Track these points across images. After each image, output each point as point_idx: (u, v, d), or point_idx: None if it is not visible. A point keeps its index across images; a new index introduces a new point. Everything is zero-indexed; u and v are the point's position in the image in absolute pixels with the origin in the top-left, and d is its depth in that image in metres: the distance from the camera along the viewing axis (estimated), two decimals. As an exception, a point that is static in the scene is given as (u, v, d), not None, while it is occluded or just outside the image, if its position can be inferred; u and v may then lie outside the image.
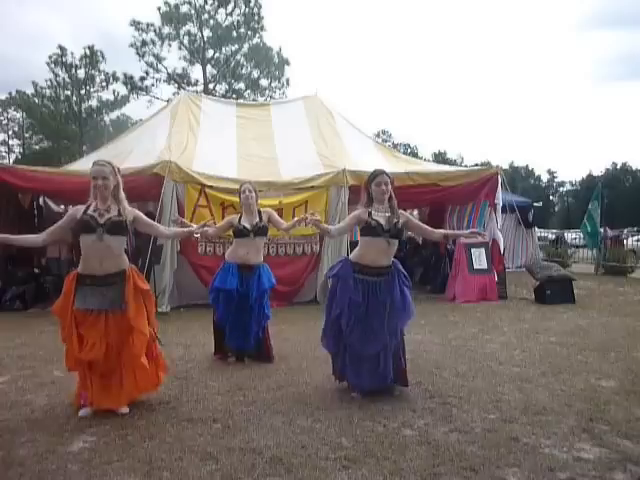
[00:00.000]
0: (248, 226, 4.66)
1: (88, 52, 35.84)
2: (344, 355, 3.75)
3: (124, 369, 3.45)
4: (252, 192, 4.73)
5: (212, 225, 4.13)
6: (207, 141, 9.02)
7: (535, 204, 16.60)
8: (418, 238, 12.03)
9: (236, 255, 4.70)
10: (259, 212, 4.77)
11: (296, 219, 4.26)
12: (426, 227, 4.22)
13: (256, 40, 34.85)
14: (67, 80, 36.42)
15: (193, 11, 33.74)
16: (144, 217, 3.70)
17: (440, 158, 57.16)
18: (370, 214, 3.76)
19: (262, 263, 4.80)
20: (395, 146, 46.87)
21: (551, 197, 70.55)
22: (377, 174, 3.85)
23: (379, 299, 3.67)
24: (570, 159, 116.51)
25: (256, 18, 34.22)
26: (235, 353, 4.84)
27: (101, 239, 3.32)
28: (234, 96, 32.55)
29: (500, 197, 9.06)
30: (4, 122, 45.34)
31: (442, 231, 4.22)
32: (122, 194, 3.50)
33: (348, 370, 3.76)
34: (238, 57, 35.20)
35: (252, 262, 4.69)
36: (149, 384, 3.59)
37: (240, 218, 4.74)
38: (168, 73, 34.72)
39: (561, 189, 74.10)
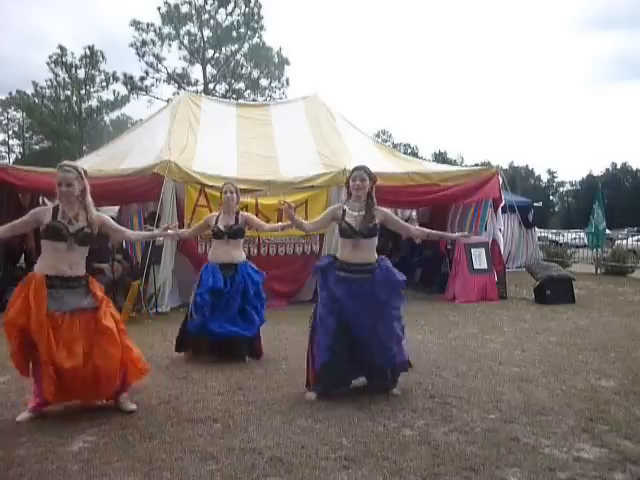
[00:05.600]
0: (222, 228, 4.72)
1: (88, 52, 35.91)
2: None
3: (95, 369, 3.34)
4: (234, 193, 4.79)
5: (174, 228, 4.19)
6: (207, 141, 9.01)
7: (535, 204, 16.59)
8: (416, 238, 12.03)
9: (216, 255, 4.78)
10: (237, 214, 4.81)
11: (280, 224, 4.29)
12: (406, 225, 4.22)
13: (256, 40, 34.93)
14: (67, 80, 36.49)
15: (193, 11, 33.77)
16: (111, 222, 3.69)
17: (440, 158, 57.11)
18: (344, 213, 3.76)
19: (244, 262, 4.83)
20: (395, 146, 46.74)
21: (551, 197, 70.53)
22: (355, 169, 3.84)
23: (361, 297, 3.64)
24: (570, 159, 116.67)
25: (256, 18, 34.26)
26: (209, 343, 4.78)
27: (71, 249, 3.33)
28: (234, 96, 32.59)
29: (503, 197, 9.06)
30: (4, 122, 45.42)
31: (426, 230, 4.13)
32: (89, 199, 3.46)
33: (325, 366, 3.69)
34: (238, 57, 35.26)
35: (233, 260, 4.74)
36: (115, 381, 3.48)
37: (218, 218, 4.79)
38: (168, 73, 34.78)
39: (561, 189, 74.17)
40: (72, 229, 3.34)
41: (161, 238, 7.17)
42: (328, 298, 3.73)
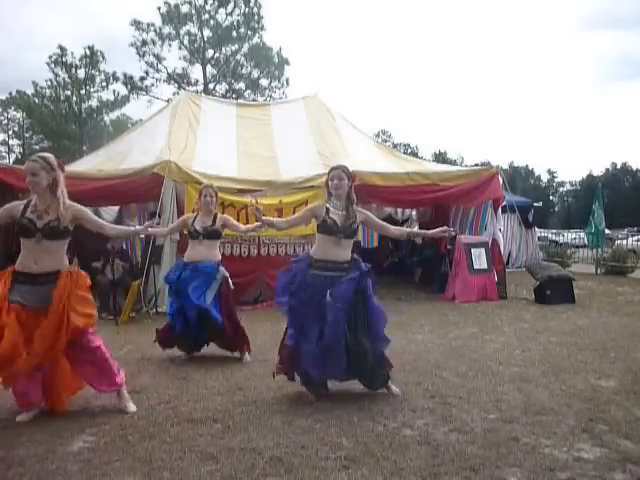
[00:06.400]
0: (199, 229, 4.77)
1: (88, 52, 35.88)
2: (299, 348, 3.68)
3: (49, 369, 3.34)
4: (213, 197, 4.86)
5: (155, 226, 4.23)
6: (207, 141, 9.02)
7: (535, 204, 16.59)
8: (417, 239, 12.02)
9: (188, 254, 4.85)
10: (215, 216, 4.87)
11: (253, 225, 4.32)
12: (387, 225, 4.22)
13: (256, 40, 34.92)
14: (67, 80, 36.48)
15: (193, 11, 33.76)
16: (88, 213, 3.54)
17: (440, 158, 57.14)
18: (328, 211, 3.73)
19: (214, 262, 4.82)
20: (395, 146, 46.74)
21: (551, 197, 70.56)
22: (333, 169, 3.84)
23: (333, 294, 3.57)
24: (570, 159, 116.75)
25: (256, 18, 34.25)
26: (188, 345, 4.93)
27: (39, 244, 3.25)
28: (234, 96, 32.58)
29: (504, 198, 9.07)
30: (4, 122, 45.44)
31: (406, 229, 4.13)
32: (60, 190, 3.31)
33: (303, 361, 3.67)
34: (238, 57, 35.25)
35: (201, 260, 4.75)
36: (69, 386, 3.47)
37: (195, 219, 4.83)
38: (168, 73, 34.77)
39: (561, 189, 74.19)
40: (40, 224, 3.24)
41: (162, 239, 7.21)
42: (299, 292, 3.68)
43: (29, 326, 3.23)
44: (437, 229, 4.05)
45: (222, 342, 4.97)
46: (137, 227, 3.88)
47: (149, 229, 3.99)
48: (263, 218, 3.83)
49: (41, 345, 3.21)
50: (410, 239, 4.28)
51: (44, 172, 3.27)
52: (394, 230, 4.24)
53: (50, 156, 3.39)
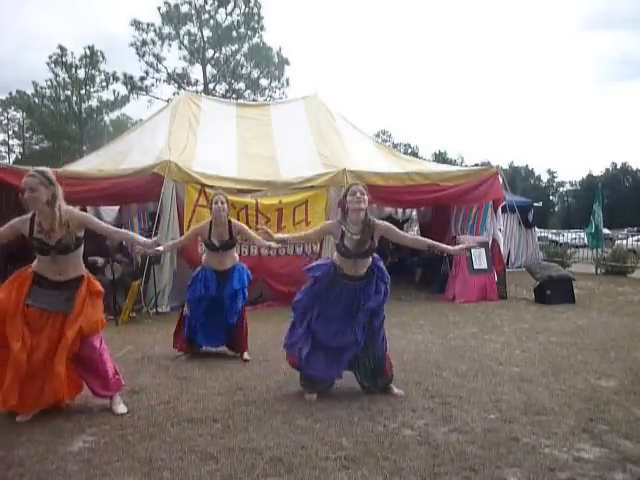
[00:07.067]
0: (217, 243, 4.75)
1: (88, 52, 35.91)
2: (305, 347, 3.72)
3: (49, 372, 3.31)
4: (224, 204, 4.75)
5: (163, 245, 4.28)
6: (207, 141, 9.01)
7: (535, 204, 16.58)
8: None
9: (211, 263, 4.88)
10: (230, 224, 4.78)
11: (268, 243, 4.31)
12: (408, 236, 4.21)
13: (256, 40, 34.93)
14: (67, 80, 36.50)
15: (193, 11, 33.76)
16: (92, 219, 3.57)
17: (440, 158, 57.16)
18: (343, 235, 3.67)
19: (236, 264, 4.94)
20: (395, 146, 46.80)
21: (551, 197, 70.57)
22: (352, 184, 3.81)
23: (354, 298, 3.66)
24: (570, 159, 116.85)
25: (256, 18, 34.24)
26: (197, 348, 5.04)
27: (55, 260, 3.29)
28: (234, 96, 32.60)
29: (504, 198, 9.07)
30: (4, 122, 45.41)
31: (427, 241, 3.96)
32: (58, 206, 3.26)
33: (304, 362, 3.72)
34: (238, 57, 35.25)
35: (227, 267, 4.85)
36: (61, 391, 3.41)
37: (210, 231, 4.76)
38: (168, 73, 34.78)
39: (561, 189, 74.23)
40: (51, 242, 3.26)
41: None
42: (318, 294, 3.72)
43: (42, 329, 3.28)
44: (457, 246, 3.95)
45: (230, 342, 5.03)
46: (146, 240, 3.76)
47: (157, 248, 3.83)
48: (276, 237, 3.82)
49: (48, 346, 3.26)
50: (430, 250, 4.21)
51: (42, 187, 3.22)
52: (413, 240, 4.19)
53: (48, 170, 3.35)
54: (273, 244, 4.29)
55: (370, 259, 3.74)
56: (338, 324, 3.67)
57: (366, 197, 3.63)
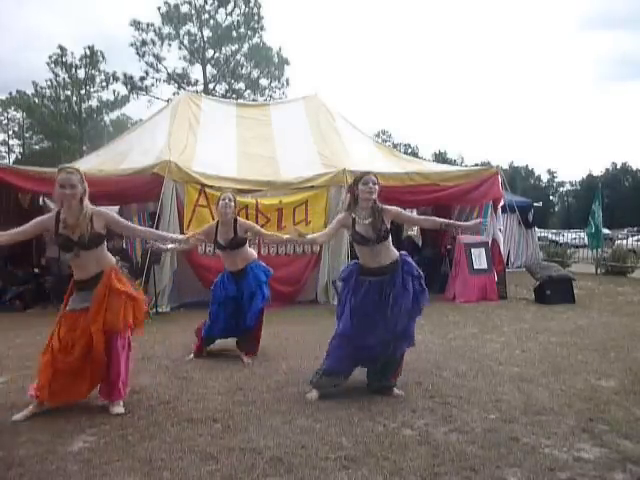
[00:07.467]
0: (222, 242, 4.75)
1: (88, 52, 35.89)
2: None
3: (91, 365, 3.44)
4: (232, 201, 4.71)
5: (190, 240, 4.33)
6: (207, 141, 9.02)
7: (535, 204, 16.59)
8: (417, 240, 12.01)
9: (226, 264, 4.90)
10: (235, 223, 4.74)
11: (286, 237, 4.27)
12: (418, 217, 4.23)
13: (256, 40, 34.90)
14: (67, 80, 36.48)
15: (193, 11, 33.76)
16: (119, 220, 3.66)
17: (440, 158, 57.16)
18: (354, 222, 3.72)
19: (251, 262, 4.91)
20: (395, 146, 46.76)
21: (551, 197, 70.58)
22: (365, 174, 3.80)
23: (382, 297, 3.66)
24: (570, 159, 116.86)
25: (256, 18, 34.23)
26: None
27: (78, 256, 3.36)
28: (234, 96, 32.58)
29: (504, 198, 9.06)
30: (4, 122, 45.38)
31: (439, 220, 3.94)
32: (87, 201, 3.42)
33: (331, 356, 3.75)
34: (238, 57, 35.23)
35: (241, 267, 4.84)
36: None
37: (217, 230, 4.76)
38: (168, 73, 34.76)
39: (561, 189, 74.24)
40: (75, 237, 3.33)
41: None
42: (349, 302, 3.74)
43: (76, 327, 3.39)
44: (472, 221, 4.02)
45: (241, 340, 5.00)
46: (177, 236, 3.87)
47: (188, 241, 3.98)
48: (307, 238, 3.83)
49: (85, 342, 3.37)
50: (443, 229, 4.22)
51: (80, 184, 3.35)
52: (424, 220, 4.19)
53: (79, 168, 3.51)
54: (300, 239, 4.21)
55: (391, 249, 3.75)
56: (368, 322, 3.67)
57: (377, 187, 3.71)
